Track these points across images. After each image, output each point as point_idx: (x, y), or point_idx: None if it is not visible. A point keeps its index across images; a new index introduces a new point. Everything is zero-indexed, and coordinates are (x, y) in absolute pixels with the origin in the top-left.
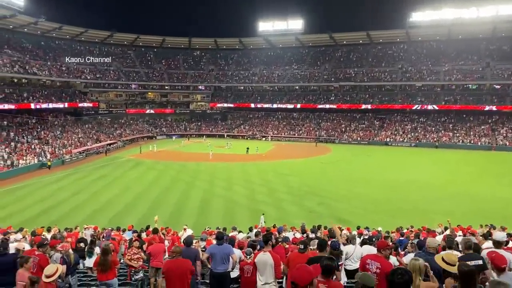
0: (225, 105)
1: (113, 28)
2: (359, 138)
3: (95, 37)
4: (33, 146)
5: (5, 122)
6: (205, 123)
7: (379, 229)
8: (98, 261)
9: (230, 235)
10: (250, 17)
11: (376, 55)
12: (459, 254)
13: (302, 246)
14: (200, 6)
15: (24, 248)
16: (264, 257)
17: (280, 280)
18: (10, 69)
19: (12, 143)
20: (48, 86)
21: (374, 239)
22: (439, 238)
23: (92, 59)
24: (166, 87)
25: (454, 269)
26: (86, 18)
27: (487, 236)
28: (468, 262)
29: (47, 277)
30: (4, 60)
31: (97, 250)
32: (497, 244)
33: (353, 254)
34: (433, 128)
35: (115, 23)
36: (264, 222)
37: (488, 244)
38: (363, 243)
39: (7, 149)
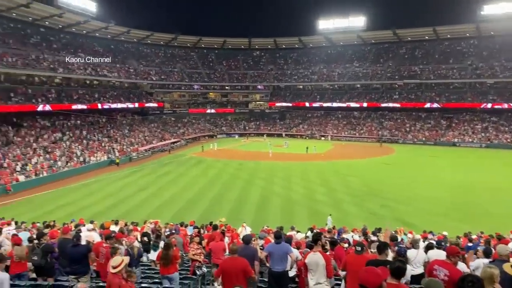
0: (284, 104)
1: (177, 31)
2: (424, 138)
3: (160, 40)
4: (103, 144)
5: (79, 121)
6: (263, 123)
7: (445, 233)
8: (161, 255)
9: (287, 234)
10: (309, 15)
11: (443, 52)
12: None
13: (359, 248)
14: (260, 6)
15: (93, 240)
16: (315, 257)
17: (339, 282)
18: (83, 71)
19: (85, 141)
20: (117, 87)
21: (442, 244)
22: (511, 245)
23: (157, 61)
24: (227, 87)
25: None
26: (151, 22)
27: None
28: None
29: (113, 267)
30: (79, 63)
31: (161, 244)
32: None
33: (416, 259)
34: (506, 128)
35: (178, 26)
36: (332, 223)
37: None
38: (428, 248)
39: (80, 147)
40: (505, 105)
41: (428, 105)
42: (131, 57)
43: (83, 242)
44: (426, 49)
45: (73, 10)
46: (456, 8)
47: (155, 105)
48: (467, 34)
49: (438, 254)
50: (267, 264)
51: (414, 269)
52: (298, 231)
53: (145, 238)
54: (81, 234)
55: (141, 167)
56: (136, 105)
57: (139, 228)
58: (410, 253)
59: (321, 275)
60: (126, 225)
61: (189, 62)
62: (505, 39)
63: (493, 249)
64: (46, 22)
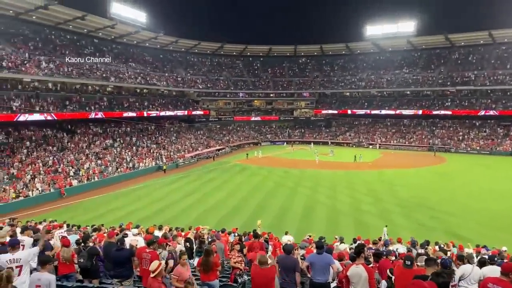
0: (330, 111)
1: (223, 40)
2: (479, 147)
3: (207, 49)
4: (151, 151)
5: (129, 129)
6: (308, 130)
7: (504, 248)
8: (201, 262)
9: (330, 244)
10: (357, 21)
11: (500, 56)
12: None
13: (408, 262)
14: (306, 13)
15: (137, 244)
16: (357, 270)
17: None
18: (134, 80)
19: (134, 147)
20: (165, 96)
21: (496, 259)
22: None
23: (204, 70)
24: (271, 95)
25: None
26: (199, 31)
27: None
28: None
29: (152, 272)
30: (129, 72)
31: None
32: None
33: (470, 275)
34: None
35: (225, 34)
36: (387, 234)
37: None
38: (481, 263)
39: (129, 153)
40: None
41: (482, 112)
42: (179, 66)
43: (127, 247)
44: (481, 53)
45: (125, 21)
46: None
47: (201, 112)
48: None
49: (493, 270)
50: (309, 275)
51: (468, 285)
52: (341, 242)
53: (187, 244)
54: (125, 238)
55: (187, 174)
56: (184, 112)
57: (183, 234)
58: (465, 268)
59: None
60: (170, 230)
61: (234, 70)
62: None
63: None
64: (100, 33)
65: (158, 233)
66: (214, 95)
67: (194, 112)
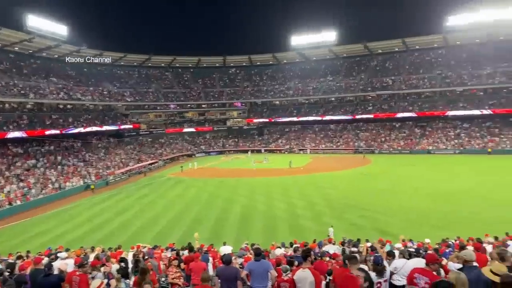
0: (261, 120)
1: (151, 52)
2: (400, 148)
3: (134, 61)
4: (78, 169)
5: (52, 147)
6: (242, 139)
7: (427, 241)
8: (137, 281)
9: (267, 251)
10: (282, 31)
11: (413, 62)
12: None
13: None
14: (233, 24)
15: (66, 269)
16: (304, 274)
17: None
18: (56, 96)
19: (59, 167)
20: (91, 110)
21: (421, 251)
22: (488, 249)
23: (131, 82)
24: (203, 106)
25: (495, 278)
26: (125, 44)
27: None
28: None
29: None
30: (50, 87)
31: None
32: None
33: (403, 269)
34: (478, 134)
35: (152, 46)
36: (333, 234)
37: None
38: (408, 256)
39: (55, 173)
40: (476, 112)
41: (400, 114)
42: (105, 80)
43: (55, 272)
44: (396, 60)
45: (44, 35)
46: (423, 20)
47: (131, 126)
48: (435, 45)
49: (419, 262)
50: (248, 283)
51: (400, 279)
52: (278, 247)
53: (122, 264)
54: (53, 263)
55: (118, 191)
56: (112, 127)
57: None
58: (397, 263)
59: None
60: (103, 251)
61: (164, 82)
62: (471, 48)
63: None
64: (16, 48)
65: (91, 255)
66: (143, 108)
67: (123, 126)
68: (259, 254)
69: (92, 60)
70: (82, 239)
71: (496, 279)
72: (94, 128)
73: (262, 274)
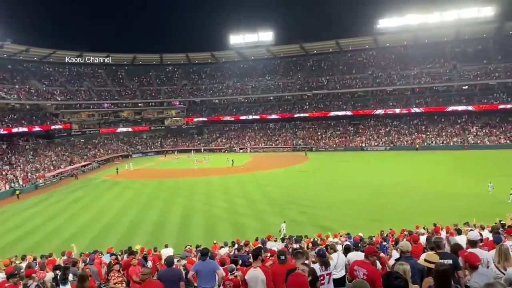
0: (201, 119)
1: (82, 48)
2: (335, 145)
3: (64, 58)
4: (4, 173)
5: None
6: (181, 139)
7: (360, 234)
8: None
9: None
10: (221, 30)
11: (347, 63)
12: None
13: (283, 257)
14: (170, 21)
15: None
16: (255, 273)
17: None
18: None
19: None
20: (18, 110)
21: (359, 245)
22: (422, 239)
23: (62, 80)
24: (140, 104)
25: (432, 265)
26: (53, 40)
27: (459, 232)
28: (442, 261)
29: None
30: None
31: (70, 277)
32: (472, 243)
33: (337, 262)
34: (406, 131)
35: (84, 42)
36: (285, 229)
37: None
38: (346, 250)
39: None
40: (404, 110)
41: (335, 113)
42: (32, 77)
43: None
44: (331, 60)
45: None
46: (356, 22)
47: (61, 126)
48: (367, 46)
49: (358, 255)
50: (195, 284)
51: (336, 272)
52: (221, 247)
53: (57, 271)
54: None
55: (49, 195)
56: (40, 127)
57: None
58: (333, 257)
59: None
60: (35, 259)
61: (97, 79)
62: (399, 49)
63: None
64: None
65: (22, 264)
66: (75, 107)
67: (53, 127)
68: (205, 254)
69: (18, 56)
70: (12, 247)
71: (431, 266)
72: (21, 129)
73: (209, 274)
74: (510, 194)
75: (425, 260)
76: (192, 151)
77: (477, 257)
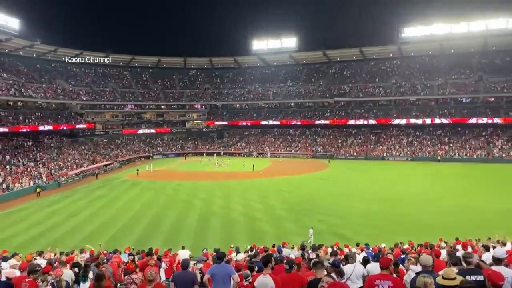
0: (221, 123)
1: (109, 50)
2: (355, 153)
3: (91, 59)
4: (29, 169)
5: (0, 146)
6: (201, 142)
7: (383, 245)
8: (92, 287)
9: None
10: (244, 36)
11: (370, 71)
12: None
13: (287, 266)
14: (195, 26)
15: (15, 276)
16: (264, 280)
17: None
18: (6, 92)
19: (8, 166)
20: (44, 108)
21: (379, 256)
22: (443, 253)
23: (88, 81)
24: (162, 107)
25: (453, 282)
26: (82, 40)
27: (487, 248)
28: (468, 277)
29: None
30: (0, 83)
31: (90, 275)
32: (497, 261)
33: (353, 274)
34: (429, 142)
35: (110, 44)
36: (313, 235)
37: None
38: (365, 261)
39: (2, 173)
40: (428, 121)
41: (354, 121)
42: (59, 77)
43: (3, 279)
44: (354, 68)
45: None
46: (380, 30)
47: (85, 126)
48: (391, 55)
49: (375, 267)
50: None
51: (352, 284)
52: (238, 252)
53: (76, 269)
54: (1, 270)
55: (71, 192)
56: (65, 126)
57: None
58: (347, 268)
59: None
60: (55, 255)
61: (122, 81)
62: (424, 59)
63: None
64: None
65: (40, 260)
66: (99, 107)
67: (77, 126)
68: (221, 258)
69: (47, 56)
70: (32, 243)
71: (450, 283)
72: (47, 127)
73: (224, 278)
74: None
75: (443, 278)
76: (215, 154)
77: (501, 275)
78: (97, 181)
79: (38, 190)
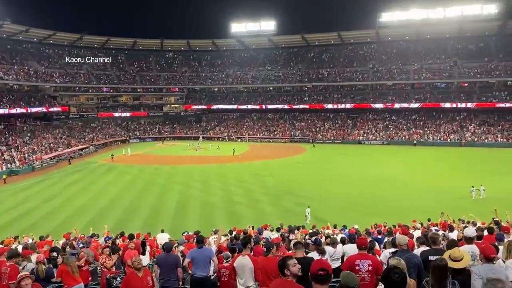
0: (200, 107)
1: (83, 31)
2: (333, 138)
3: (64, 40)
4: (1, 153)
5: None
6: (179, 126)
7: (356, 227)
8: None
9: (210, 238)
10: (222, 18)
11: (348, 55)
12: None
13: (265, 249)
14: (172, 7)
15: None
16: (243, 261)
17: None
18: None
19: None
20: (16, 91)
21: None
22: (416, 234)
23: (61, 62)
24: (139, 90)
25: (460, 265)
26: (54, 21)
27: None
28: (431, 257)
29: None
30: None
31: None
32: (468, 240)
33: (334, 254)
34: (404, 126)
35: (84, 25)
36: (310, 214)
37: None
38: (342, 242)
39: None
40: (404, 105)
41: (333, 105)
42: (31, 58)
43: None
44: (332, 53)
45: None
46: (358, 15)
47: (60, 109)
48: (368, 39)
49: (352, 248)
50: (190, 271)
51: (332, 263)
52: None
53: (54, 254)
54: None
55: (46, 177)
56: (39, 109)
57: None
58: (328, 249)
59: (249, 279)
60: (33, 240)
61: (96, 63)
62: (401, 44)
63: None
64: None
65: (17, 245)
66: (74, 90)
67: (51, 109)
68: (201, 242)
69: (17, 36)
70: (7, 228)
71: (456, 264)
72: (19, 110)
73: (205, 261)
74: (472, 191)
75: (452, 260)
76: (200, 138)
77: (493, 249)
78: (73, 166)
79: (4, 176)
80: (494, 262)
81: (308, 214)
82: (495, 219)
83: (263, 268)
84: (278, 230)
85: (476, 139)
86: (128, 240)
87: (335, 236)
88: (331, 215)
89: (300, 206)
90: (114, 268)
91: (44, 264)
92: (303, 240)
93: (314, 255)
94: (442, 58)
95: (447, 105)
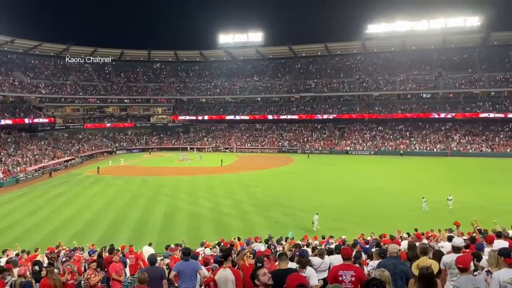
0: (187, 117)
1: (69, 41)
2: (320, 148)
3: (50, 51)
4: None
5: None
6: (167, 136)
7: (343, 237)
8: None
9: (197, 250)
10: (210, 29)
11: (335, 66)
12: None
13: (259, 264)
14: (160, 18)
15: None
16: (225, 273)
17: None
18: None
19: None
20: (0, 102)
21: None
22: (404, 244)
23: (47, 73)
24: (126, 101)
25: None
26: (40, 32)
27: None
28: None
29: None
30: None
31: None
32: (456, 249)
33: (321, 266)
34: (391, 136)
35: (71, 36)
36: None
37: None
38: (328, 252)
39: None
40: (389, 116)
41: (321, 116)
42: (17, 69)
43: None
44: (319, 64)
45: None
46: (345, 27)
47: (45, 120)
48: (355, 51)
49: (337, 259)
50: (176, 284)
51: (318, 275)
52: (206, 247)
53: (36, 267)
54: None
55: (30, 189)
56: (23, 121)
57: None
58: (316, 260)
59: None
60: (18, 254)
61: (83, 74)
62: (387, 55)
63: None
64: None
65: (3, 259)
66: (60, 101)
67: (36, 120)
68: (188, 254)
69: (3, 47)
70: None
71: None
72: (3, 121)
73: (191, 274)
74: (448, 200)
75: (418, 267)
76: (195, 149)
77: (467, 260)
78: (58, 178)
79: None
80: (476, 273)
81: (316, 221)
82: (478, 228)
83: (244, 277)
84: (266, 241)
85: (461, 148)
86: (109, 254)
87: (322, 247)
88: (319, 225)
89: (288, 216)
90: (99, 284)
91: (24, 277)
92: (289, 252)
93: (293, 265)
94: (427, 69)
95: (433, 115)
